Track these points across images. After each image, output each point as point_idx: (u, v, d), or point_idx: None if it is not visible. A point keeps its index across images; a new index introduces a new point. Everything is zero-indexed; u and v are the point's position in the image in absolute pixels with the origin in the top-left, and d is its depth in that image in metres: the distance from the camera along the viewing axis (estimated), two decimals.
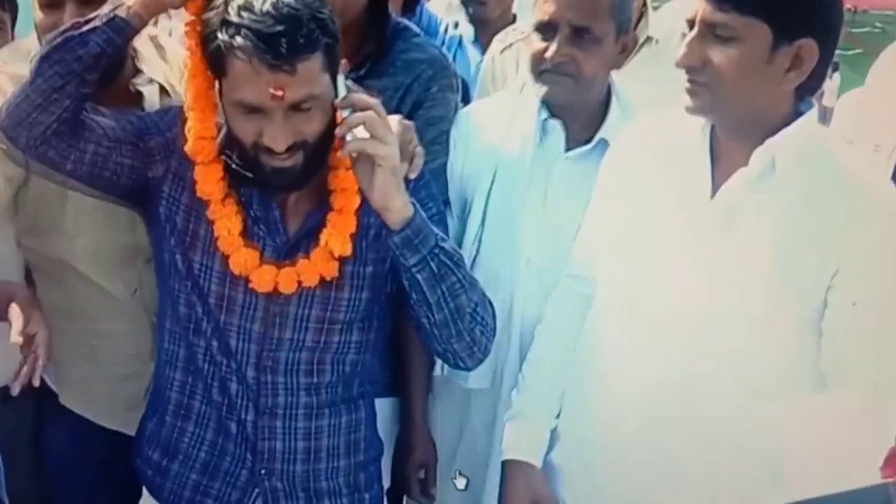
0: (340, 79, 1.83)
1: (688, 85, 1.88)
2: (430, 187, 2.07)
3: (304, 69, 1.76)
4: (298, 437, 2.03)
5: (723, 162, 1.93)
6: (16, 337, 1.91)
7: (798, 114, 1.90)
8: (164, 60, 2.31)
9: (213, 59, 1.82)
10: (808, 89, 1.90)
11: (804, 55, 1.83)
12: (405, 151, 1.97)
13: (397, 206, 1.82)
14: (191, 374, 2.05)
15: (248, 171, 1.88)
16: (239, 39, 1.75)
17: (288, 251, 1.96)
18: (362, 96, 1.82)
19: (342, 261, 1.95)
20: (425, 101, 2.30)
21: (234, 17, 1.76)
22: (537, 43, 2.21)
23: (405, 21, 2.49)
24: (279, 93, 1.76)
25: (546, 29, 2.20)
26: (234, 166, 1.91)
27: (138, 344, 2.30)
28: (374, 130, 1.79)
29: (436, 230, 1.89)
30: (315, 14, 1.77)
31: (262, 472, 2.04)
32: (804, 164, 1.87)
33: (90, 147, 1.93)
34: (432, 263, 1.86)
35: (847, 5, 2.38)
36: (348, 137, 1.79)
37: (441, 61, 2.36)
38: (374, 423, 2.17)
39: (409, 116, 2.15)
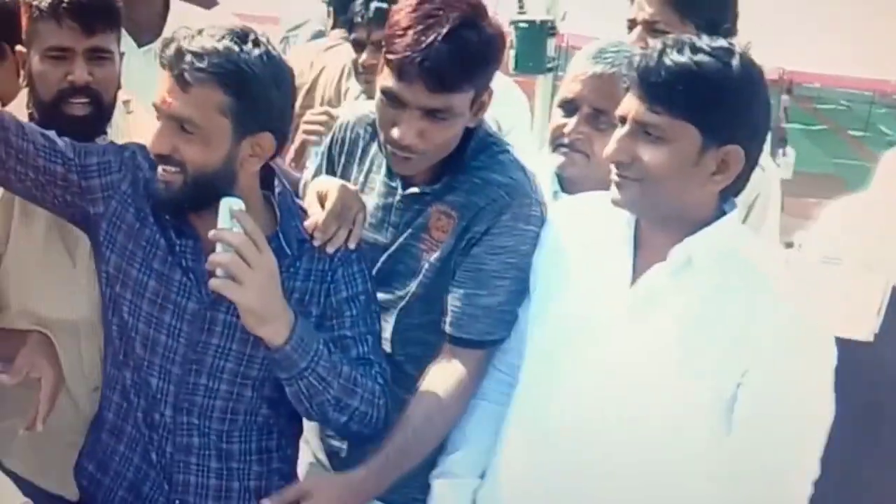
0: (224, 205, 1.88)
1: (616, 179, 1.93)
2: (362, 263, 2.11)
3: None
4: (211, 475, 2.09)
5: (645, 251, 1.98)
6: (5, 377, 1.89)
7: (721, 213, 1.95)
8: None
9: None
10: (733, 190, 1.95)
11: (730, 160, 1.87)
12: (346, 217, 2.05)
13: (267, 332, 1.91)
14: (125, 399, 2.11)
15: None
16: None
17: (212, 303, 2.01)
18: (230, 235, 1.87)
19: None
20: (493, 227, 2.08)
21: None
22: (558, 118, 2.29)
23: (495, 134, 2.25)
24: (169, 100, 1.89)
25: (569, 106, 2.27)
26: None
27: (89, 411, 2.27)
28: (234, 274, 1.86)
29: (317, 348, 1.95)
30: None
31: (177, 501, 2.10)
32: (719, 264, 1.92)
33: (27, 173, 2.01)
34: (300, 383, 1.96)
35: (815, 82, 2.45)
36: (218, 272, 1.87)
37: (521, 188, 2.11)
38: (291, 474, 2.20)
39: (474, 242, 2.10)
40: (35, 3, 2.16)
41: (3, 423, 2.18)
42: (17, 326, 2.19)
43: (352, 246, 2.06)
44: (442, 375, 2.10)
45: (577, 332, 2.01)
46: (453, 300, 2.10)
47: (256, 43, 1.90)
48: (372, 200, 2.19)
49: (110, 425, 2.13)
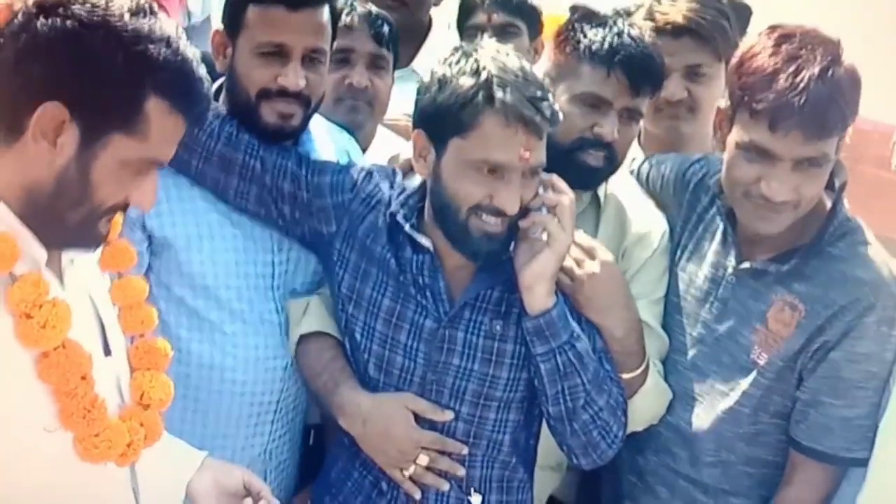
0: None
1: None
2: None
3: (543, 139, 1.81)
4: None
5: None
6: None
7: None
8: None
9: (452, 114, 1.81)
10: None
11: None
12: None
13: (541, 291, 1.86)
14: None
15: (456, 241, 1.88)
16: (503, 96, 1.76)
17: (450, 321, 1.93)
18: (554, 196, 1.86)
19: (502, 339, 1.93)
20: (854, 330, 1.89)
21: (494, 73, 1.77)
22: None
23: (854, 219, 2.00)
24: (527, 155, 1.77)
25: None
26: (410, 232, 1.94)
27: None
28: (562, 214, 1.83)
29: (575, 329, 1.89)
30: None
31: None
32: None
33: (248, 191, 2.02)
34: (558, 358, 1.87)
35: None
36: (531, 233, 1.86)
37: (888, 287, 1.91)
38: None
39: (831, 346, 1.91)
40: None
41: None
42: None
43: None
44: (794, 494, 1.99)
45: None
46: (804, 407, 1.95)
47: None
48: (701, 270, 2.08)
49: (346, 451, 2.06)
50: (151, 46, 1.34)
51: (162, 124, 1.38)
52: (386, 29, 2.43)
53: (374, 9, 2.44)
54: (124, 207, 1.45)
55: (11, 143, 1.36)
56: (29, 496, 1.38)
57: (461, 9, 3.12)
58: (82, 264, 1.55)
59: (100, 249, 1.58)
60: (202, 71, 1.42)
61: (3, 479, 1.35)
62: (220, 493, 1.74)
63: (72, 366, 1.40)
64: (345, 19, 2.33)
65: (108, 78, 1.33)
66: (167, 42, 1.36)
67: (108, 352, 1.56)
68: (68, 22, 1.32)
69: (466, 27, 3.05)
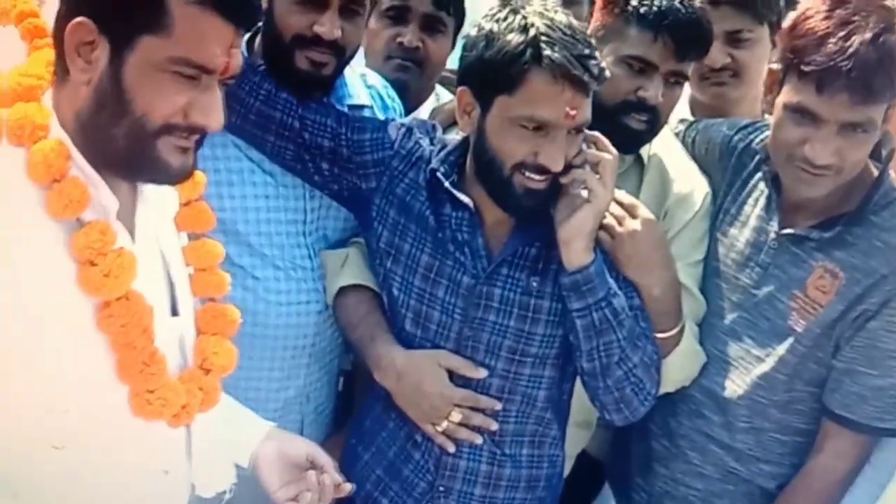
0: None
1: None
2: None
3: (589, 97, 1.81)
4: (482, 459, 2.01)
5: None
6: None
7: None
8: None
9: (498, 71, 1.80)
10: None
11: None
12: None
13: (579, 247, 1.86)
14: None
15: (499, 197, 1.89)
16: (551, 53, 1.75)
17: (487, 278, 1.94)
18: (597, 153, 1.87)
19: (539, 295, 1.94)
20: (893, 300, 1.89)
21: (542, 30, 1.76)
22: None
23: None
24: (573, 112, 1.77)
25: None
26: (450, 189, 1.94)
27: None
28: (604, 171, 1.84)
29: (612, 286, 1.89)
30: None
31: (441, 488, 2.03)
32: None
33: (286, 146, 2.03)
34: (594, 314, 1.87)
35: None
36: (572, 189, 1.85)
37: None
38: (561, 462, 2.12)
39: (871, 315, 1.91)
40: None
41: None
42: None
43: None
44: (824, 462, 1.99)
45: None
46: (839, 376, 1.95)
47: None
48: (742, 235, 2.07)
49: (383, 401, 2.08)
50: None
51: (189, 20, 1.31)
52: None
53: None
54: (190, 129, 1.37)
55: (65, 80, 1.36)
56: (83, 448, 1.38)
57: None
58: (157, 222, 1.54)
59: (177, 208, 1.56)
60: None
61: (58, 426, 1.35)
62: (285, 463, 1.75)
63: (133, 317, 1.37)
64: None
65: None
66: None
67: (175, 312, 1.55)
68: None
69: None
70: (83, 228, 1.35)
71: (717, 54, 2.31)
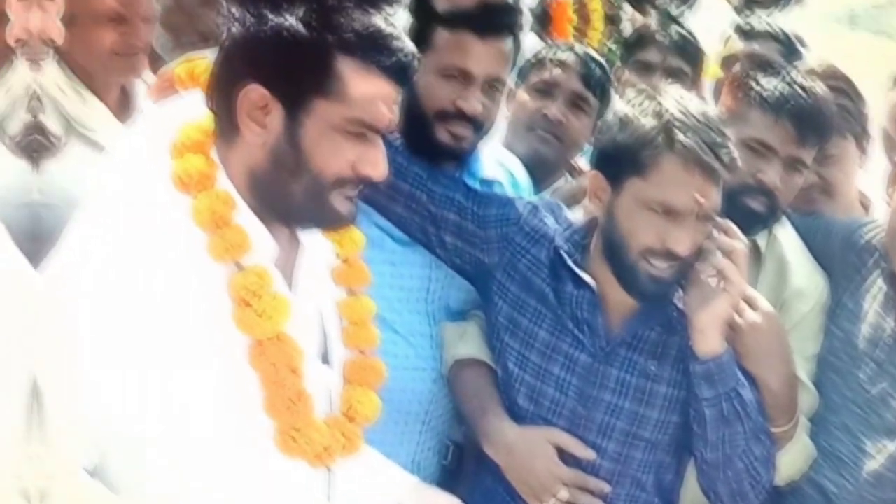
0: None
1: None
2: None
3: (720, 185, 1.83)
4: None
5: None
6: None
7: None
8: None
9: (631, 154, 1.83)
10: None
11: None
12: None
13: (714, 336, 1.86)
14: None
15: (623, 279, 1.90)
16: (683, 139, 1.79)
17: (605, 357, 1.96)
18: (729, 241, 1.88)
19: (656, 380, 1.95)
20: None
21: (676, 116, 1.80)
22: None
23: None
24: (702, 200, 1.79)
25: None
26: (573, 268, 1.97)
27: None
28: (737, 259, 1.86)
29: (740, 377, 1.89)
30: None
31: None
32: None
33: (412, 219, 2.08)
34: (724, 405, 1.87)
35: None
36: (709, 278, 1.86)
37: None
38: None
39: None
40: None
41: None
42: None
43: None
44: None
45: None
46: None
47: None
48: (859, 331, 2.06)
49: (491, 475, 2.07)
50: (331, 7, 1.39)
51: (358, 83, 1.40)
52: (598, 72, 2.47)
53: (592, 52, 2.49)
54: (358, 181, 1.47)
55: (235, 139, 1.44)
56: (226, 479, 1.42)
57: (633, 38, 3.13)
58: (315, 274, 1.61)
59: (337, 263, 1.65)
60: (392, 27, 1.43)
61: (203, 456, 1.39)
62: None
63: (283, 357, 1.44)
64: (560, 55, 2.40)
65: (294, 47, 1.38)
66: (347, 3, 1.39)
67: (326, 360, 1.61)
68: (251, 7, 1.39)
69: (635, 60, 3.04)
70: (241, 271, 1.44)
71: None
